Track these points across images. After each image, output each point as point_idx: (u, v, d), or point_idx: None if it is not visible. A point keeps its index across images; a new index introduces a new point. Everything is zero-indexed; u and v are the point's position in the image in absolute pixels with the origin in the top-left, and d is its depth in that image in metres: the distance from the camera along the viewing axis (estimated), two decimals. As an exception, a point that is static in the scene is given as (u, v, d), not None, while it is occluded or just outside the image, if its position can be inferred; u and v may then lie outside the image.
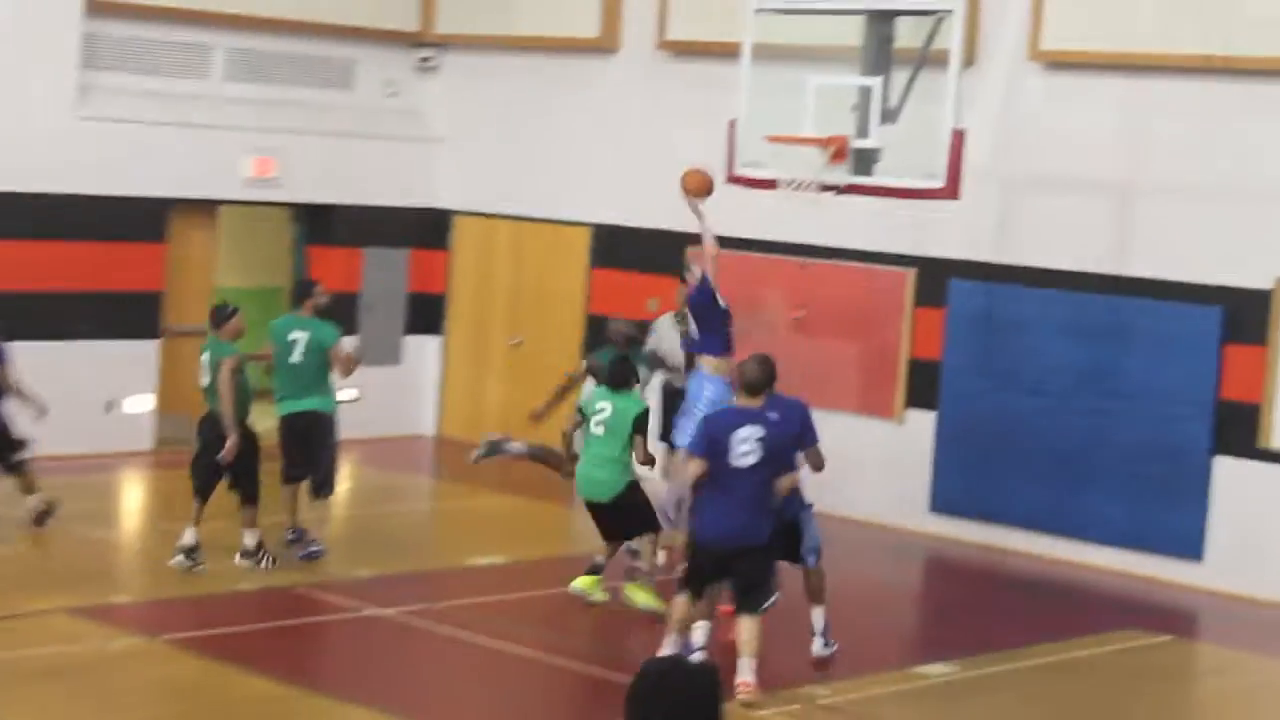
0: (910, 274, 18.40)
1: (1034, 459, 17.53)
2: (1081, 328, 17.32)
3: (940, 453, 18.13)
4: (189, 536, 14.92)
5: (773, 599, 12.57)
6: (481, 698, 12.75)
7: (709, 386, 14.31)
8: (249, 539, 15.08)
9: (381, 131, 21.61)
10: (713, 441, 12.25)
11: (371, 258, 21.53)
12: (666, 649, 12.39)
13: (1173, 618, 15.95)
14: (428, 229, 21.95)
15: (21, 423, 15.76)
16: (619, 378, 14.43)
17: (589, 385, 15.62)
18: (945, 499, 18.11)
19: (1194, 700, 14.36)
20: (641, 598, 14.37)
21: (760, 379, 12.45)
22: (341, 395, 16.27)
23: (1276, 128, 16.55)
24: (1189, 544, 16.79)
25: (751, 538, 12.31)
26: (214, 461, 14.86)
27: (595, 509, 14.50)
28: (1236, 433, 16.59)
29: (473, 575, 15.68)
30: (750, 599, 12.41)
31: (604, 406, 14.28)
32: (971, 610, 15.92)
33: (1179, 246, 16.95)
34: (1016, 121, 17.84)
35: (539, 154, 21.19)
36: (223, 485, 15.04)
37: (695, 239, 19.36)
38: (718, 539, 12.33)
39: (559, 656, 13.36)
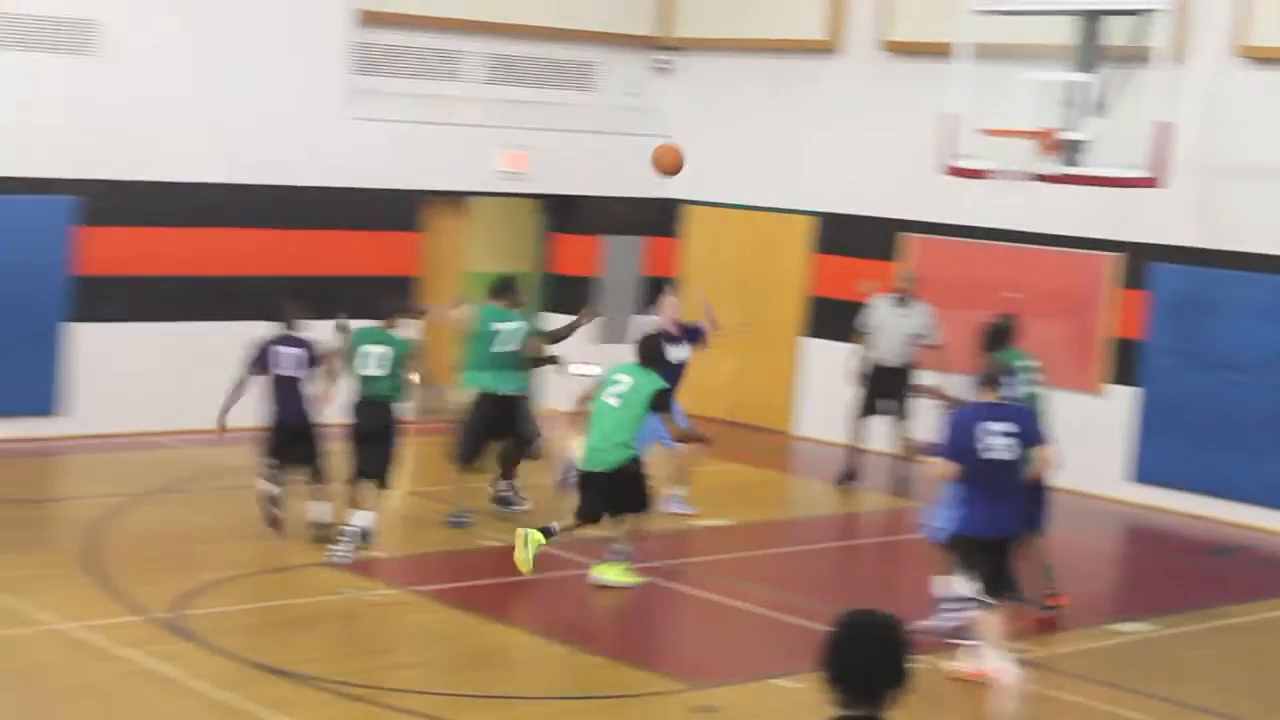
0: (1115, 258, 18.32)
1: (1231, 431, 17.42)
2: (1277, 309, 17.17)
3: (1142, 425, 18.03)
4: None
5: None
6: (713, 648, 12.87)
7: None
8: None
9: (621, 128, 21.85)
10: (962, 439, 11.69)
11: (610, 244, 21.80)
12: (993, 665, 11.59)
13: (1365, 584, 15.76)
14: (662, 218, 22.14)
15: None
16: (648, 356, 13.93)
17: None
18: (1145, 468, 18.02)
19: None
20: (612, 574, 13.98)
21: (997, 373, 11.98)
22: (584, 370, 16.58)
23: None
24: (1381, 512, 16.63)
25: (1019, 527, 12.04)
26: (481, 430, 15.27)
27: (592, 480, 13.81)
28: None
29: (702, 535, 15.86)
30: (1006, 591, 11.88)
31: (622, 379, 13.74)
32: (1169, 573, 15.86)
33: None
34: (1220, 114, 17.68)
35: (766, 148, 21.32)
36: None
37: (909, 225, 19.61)
38: (992, 532, 11.79)
39: (778, 610, 13.47)
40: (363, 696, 11.09)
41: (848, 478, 18.14)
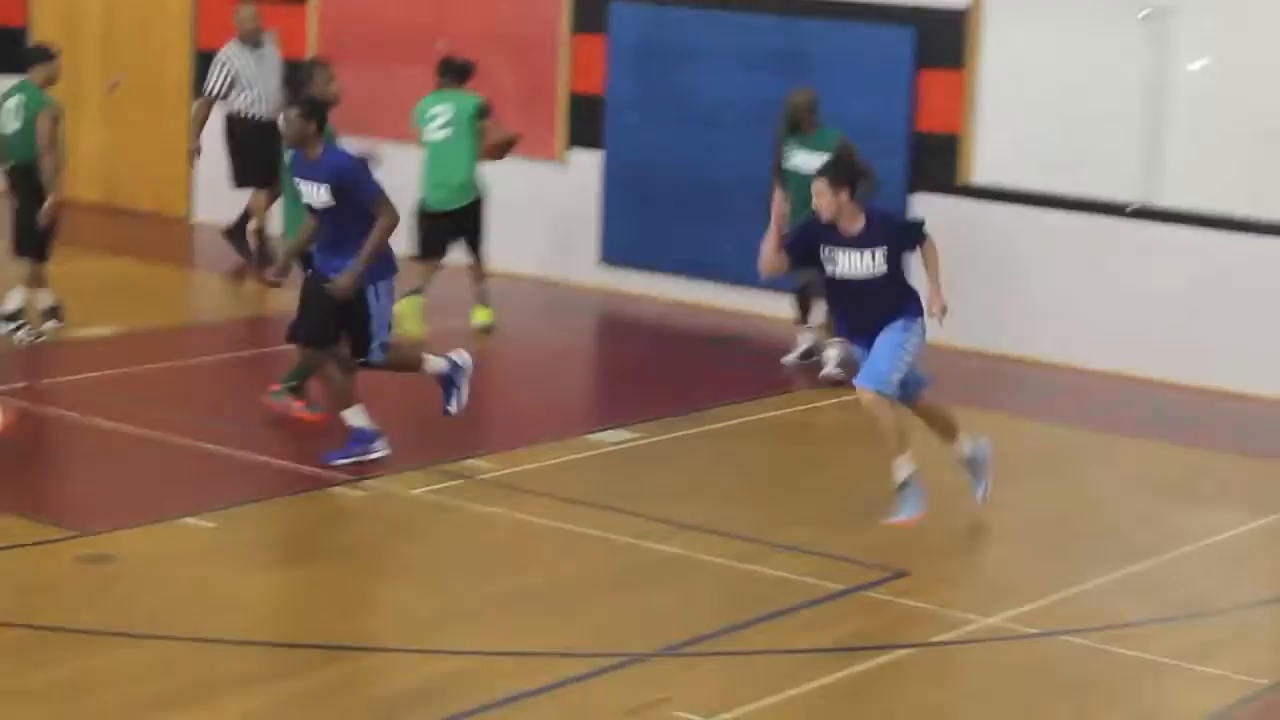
0: (566, -4, 18.34)
1: (713, 201, 17.36)
2: (759, 54, 17.11)
3: (608, 198, 17.91)
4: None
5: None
6: (98, 481, 12.50)
7: None
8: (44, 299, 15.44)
9: None
10: None
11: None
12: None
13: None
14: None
15: None
16: (461, 72, 15.04)
17: None
18: (615, 248, 17.91)
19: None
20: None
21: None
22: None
23: None
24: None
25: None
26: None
27: (437, 219, 15.44)
28: (934, 167, 16.58)
29: (82, 349, 15.28)
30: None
31: (442, 110, 14.85)
32: (651, 370, 15.88)
33: (866, -38, 16.96)
34: None
35: None
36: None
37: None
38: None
39: (180, 435, 13.02)
40: None
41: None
